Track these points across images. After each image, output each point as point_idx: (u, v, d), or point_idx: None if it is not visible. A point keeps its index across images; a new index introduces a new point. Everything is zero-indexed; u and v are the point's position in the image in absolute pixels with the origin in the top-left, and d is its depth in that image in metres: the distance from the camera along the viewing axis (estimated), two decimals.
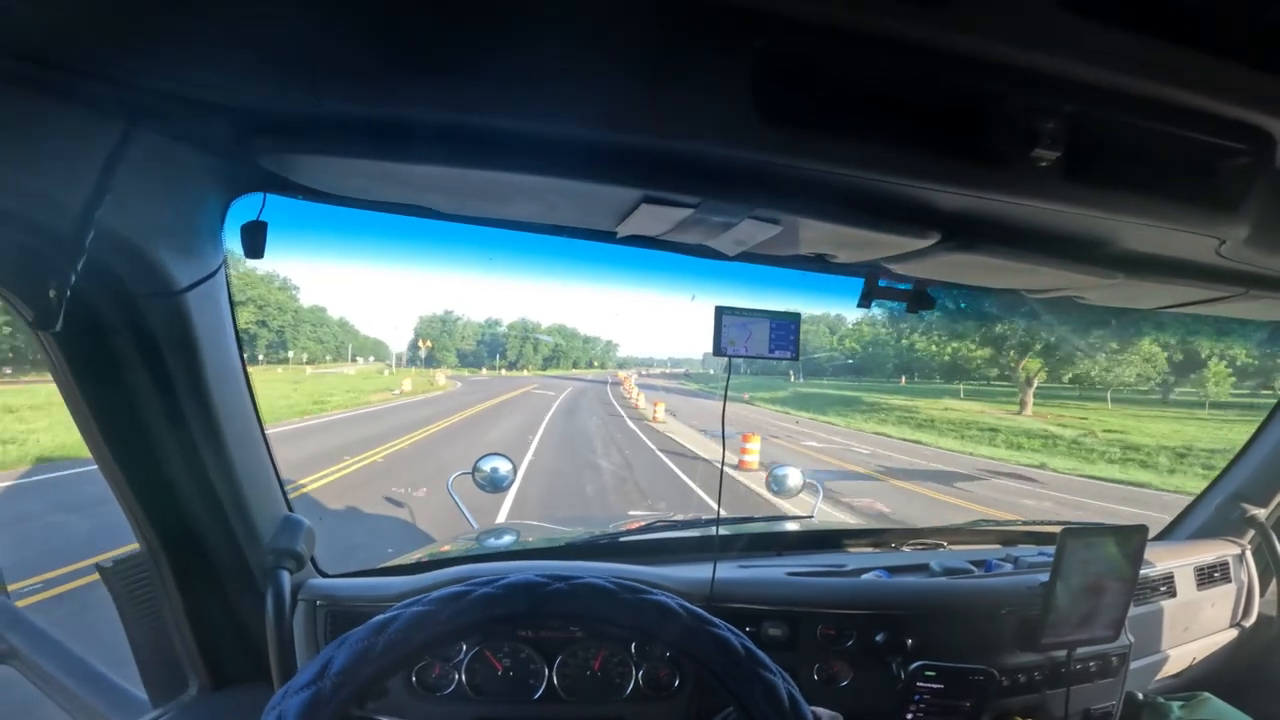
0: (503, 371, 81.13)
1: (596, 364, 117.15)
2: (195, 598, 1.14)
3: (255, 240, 0.94)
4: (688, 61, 0.66)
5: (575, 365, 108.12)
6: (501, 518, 5.90)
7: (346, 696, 0.64)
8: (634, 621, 0.73)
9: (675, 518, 1.94)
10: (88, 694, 1.15)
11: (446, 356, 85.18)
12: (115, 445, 0.98)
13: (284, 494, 1.23)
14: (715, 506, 1.33)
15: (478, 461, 2.29)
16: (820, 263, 1.15)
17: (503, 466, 2.31)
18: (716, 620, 0.74)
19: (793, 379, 50.03)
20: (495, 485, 2.26)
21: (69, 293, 0.70)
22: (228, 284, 1.02)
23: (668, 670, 1.28)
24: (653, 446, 12.89)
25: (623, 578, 0.76)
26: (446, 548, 2.24)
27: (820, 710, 0.75)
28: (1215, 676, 1.89)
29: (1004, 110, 0.72)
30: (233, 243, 0.97)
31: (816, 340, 60.66)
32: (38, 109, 0.64)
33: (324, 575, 1.32)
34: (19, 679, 1.18)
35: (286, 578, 1.09)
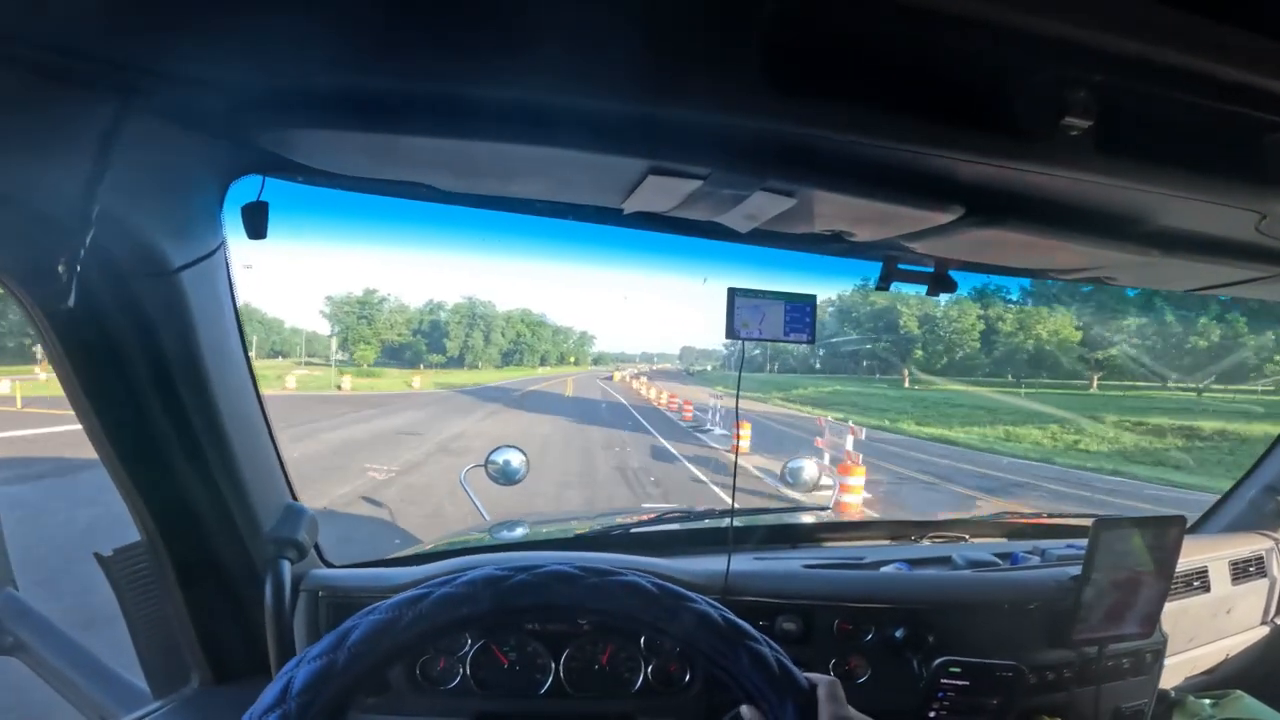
0: (341, 384, 30.32)
1: (571, 359, 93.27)
2: (196, 589, 1.12)
3: (256, 221, 0.92)
4: (697, 27, 0.63)
5: (544, 362, 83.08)
6: None
7: (314, 717, 0.61)
8: (606, 605, 0.69)
9: (690, 509, 1.91)
10: (91, 686, 1.14)
11: (364, 351, 60.59)
12: (113, 431, 0.96)
13: (288, 481, 1.21)
14: (729, 499, 1.29)
15: (490, 454, 2.29)
16: (836, 243, 1.10)
17: (515, 459, 2.30)
18: (692, 595, 0.71)
19: (907, 383, 36.41)
20: (507, 478, 2.25)
21: (76, 271, 0.68)
22: (228, 267, 0.99)
23: (678, 665, 1.24)
24: None
25: (589, 563, 0.73)
26: (457, 539, 2.22)
27: (814, 675, 0.71)
28: (1248, 674, 1.83)
29: (1032, 78, 0.69)
30: (234, 226, 0.95)
31: (951, 326, 39.70)
32: (34, 91, 0.62)
33: (328, 565, 1.30)
34: (25, 671, 1.18)
35: (287, 568, 1.06)
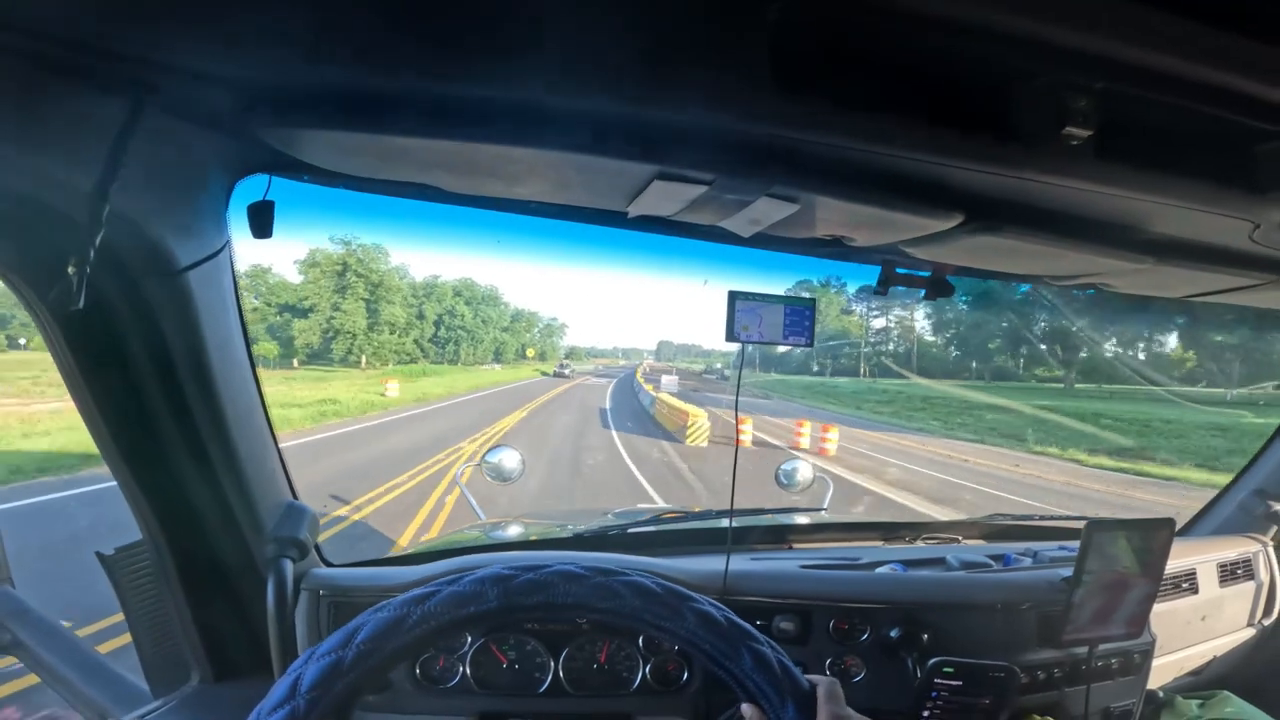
0: None
1: (532, 353, 67.62)
2: (198, 587, 1.13)
3: (262, 220, 0.92)
4: (702, 31, 0.63)
5: (499, 357, 56.32)
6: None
7: (322, 713, 0.61)
8: (610, 604, 0.70)
9: (688, 510, 1.92)
10: (89, 685, 1.14)
11: None
12: (117, 430, 0.96)
13: (289, 480, 1.21)
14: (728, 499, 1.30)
15: (485, 455, 2.30)
16: (836, 247, 1.12)
17: (509, 460, 2.31)
18: (695, 595, 0.72)
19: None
20: (503, 477, 2.26)
21: (85, 271, 0.68)
22: (232, 266, 1.00)
23: (676, 664, 1.25)
24: None
25: (593, 562, 0.74)
26: (454, 538, 2.23)
27: (814, 676, 0.73)
28: (1234, 675, 1.85)
29: (1033, 87, 0.70)
30: (238, 225, 0.95)
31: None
32: (42, 87, 0.62)
33: (328, 564, 1.30)
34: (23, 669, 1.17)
35: (289, 567, 1.07)
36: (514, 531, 2.18)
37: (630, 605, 0.70)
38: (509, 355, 57.41)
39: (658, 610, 0.70)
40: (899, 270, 1.20)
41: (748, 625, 0.71)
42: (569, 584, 0.70)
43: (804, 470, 2.29)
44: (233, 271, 0.99)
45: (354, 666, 0.63)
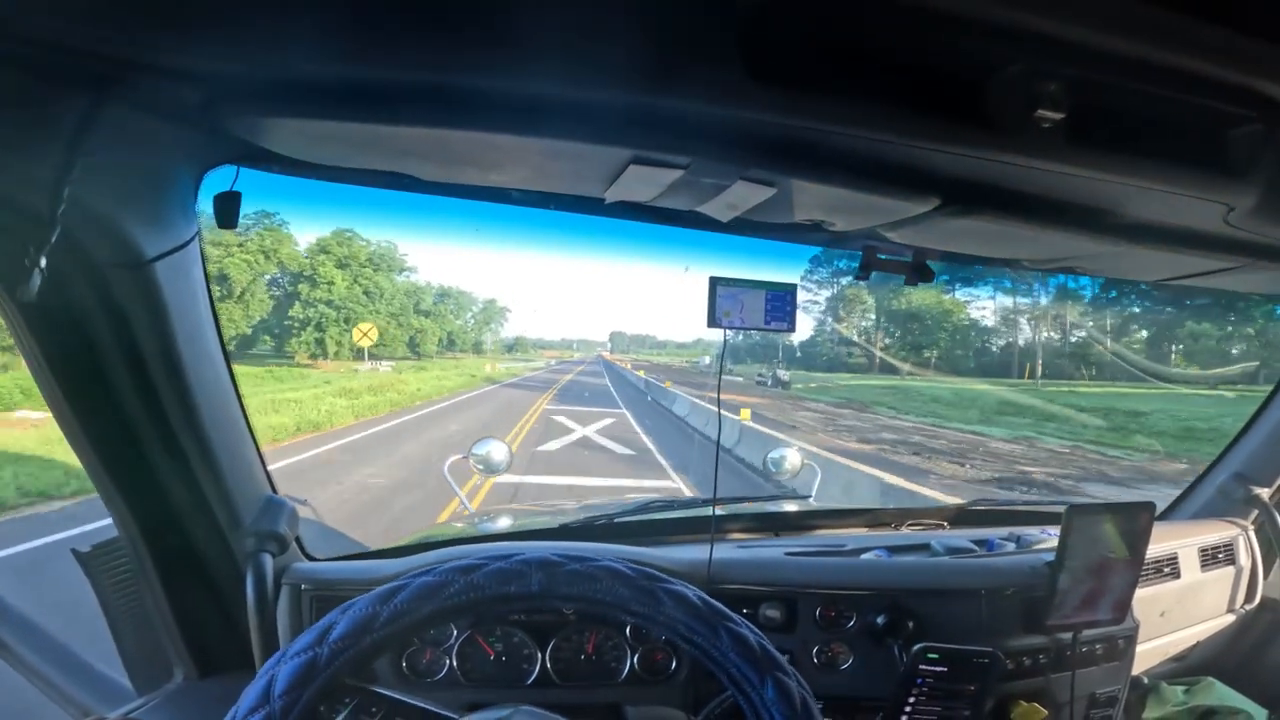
0: None
1: (372, 337, 31.25)
2: (177, 584, 1.12)
3: (228, 211, 0.91)
4: (677, 15, 0.63)
5: (415, 348, 39.43)
6: None
7: (343, 665, 0.63)
8: (649, 610, 0.71)
9: (673, 499, 1.92)
10: (71, 682, 1.13)
11: None
12: (89, 426, 0.95)
13: (267, 474, 1.20)
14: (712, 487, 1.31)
15: (473, 447, 2.29)
16: (817, 232, 1.12)
17: (498, 452, 2.30)
18: (734, 615, 0.73)
19: None
20: (491, 469, 2.25)
21: (43, 263, 0.68)
22: (203, 258, 0.99)
23: (664, 654, 1.25)
24: None
25: (639, 562, 0.75)
26: (439, 531, 2.22)
27: None
28: (1217, 660, 1.87)
29: (1006, 71, 0.70)
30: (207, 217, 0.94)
31: None
32: (4, 83, 0.61)
33: (310, 559, 1.29)
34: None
35: (269, 561, 1.06)
36: (502, 523, 2.17)
37: (668, 614, 0.71)
38: (428, 347, 40.40)
39: (694, 624, 0.71)
40: (880, 256, 1.21)
41: (779, 655, 0.72)
42: (613, 581, 0.72)
43: (792, 457, 2.29)
44: (203, 263, 0.99)
45: (388, 624, 0.65)
